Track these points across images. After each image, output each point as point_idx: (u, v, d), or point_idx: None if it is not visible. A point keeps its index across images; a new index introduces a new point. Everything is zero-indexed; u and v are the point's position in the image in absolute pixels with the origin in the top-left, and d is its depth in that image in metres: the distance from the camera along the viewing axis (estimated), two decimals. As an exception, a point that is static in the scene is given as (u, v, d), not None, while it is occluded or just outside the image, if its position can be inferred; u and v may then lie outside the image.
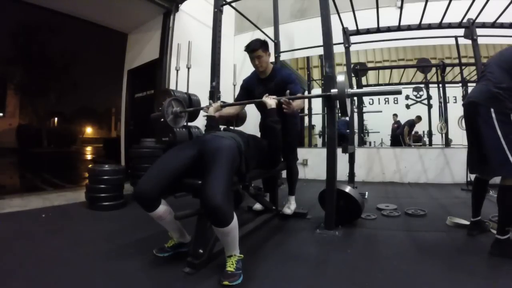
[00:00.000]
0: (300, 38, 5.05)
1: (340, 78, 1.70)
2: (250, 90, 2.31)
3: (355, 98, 4.49)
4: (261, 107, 2.34)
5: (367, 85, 6.44)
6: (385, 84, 6.53)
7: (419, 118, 6.24)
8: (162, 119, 2.16)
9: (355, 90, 1.92)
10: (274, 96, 1.86)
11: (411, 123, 6.29)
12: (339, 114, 5.63)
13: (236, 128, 2.23)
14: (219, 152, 1.41)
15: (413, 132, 6.44)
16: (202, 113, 3.63)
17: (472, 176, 2.00)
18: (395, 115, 6.55)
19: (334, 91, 1.74)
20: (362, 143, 5.55)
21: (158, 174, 1.42)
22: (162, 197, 1.47)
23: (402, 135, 6.27)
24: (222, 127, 2.13)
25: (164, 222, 1.50)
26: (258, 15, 4.95)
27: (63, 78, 21.70)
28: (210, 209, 1.22)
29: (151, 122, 2.65)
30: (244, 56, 5.85)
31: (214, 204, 1.20)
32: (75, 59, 23.80)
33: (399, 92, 1.63)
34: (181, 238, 1.63)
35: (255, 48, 2.11)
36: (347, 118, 4.33)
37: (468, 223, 2.00)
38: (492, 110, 1.55)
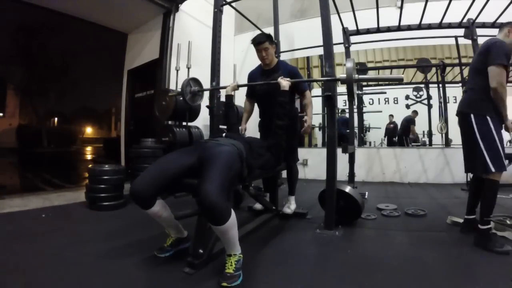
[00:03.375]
0: (300, 38, 5.05)
1: (349, 64, 1.81)
2: (253, 81, 2.32)
3: (356, 98, 4.49)
4: (264, 103, 2.35)
5: (367, 86, 6.43)
6: (385, 84, 6.53)
7: (415, 113, 6.25)
8: (182, 98, 2.31)
9: (361, 76, 2.07)
10: (288, 79, 1.97)
11: (412, 120, 6.27)
12: (339, 114, 5.60)
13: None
14: (217, 156, 1.42)
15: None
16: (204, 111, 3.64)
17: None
18: (391, 116, 6.55)
19: (342, 76, 1.83)
20: (362, 143, 5.55)
21: (155, 175, 1.44)
22: (159, 196, 1.48)
23: (407, 135, 6.25)
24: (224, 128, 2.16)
25: (160, 219, 1.52)
26: (258, 15, 4.95)
27: (63, 78, 21.69)
28: (205, 207, 1.22)
29: (160, 97, 2.77)
30: (244, 56, 5.88)
31: (209, 202, 1.20)
32: (75, 59, 23.85)
33: (401, 79, 1.81)
34: (178, 234, 1.64)
35: (262, 41, 2.15)
36: (347, 115, 4.34)
37: None
38: (472, 115, 1.76)
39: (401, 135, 6.31)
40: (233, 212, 1.30)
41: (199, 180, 1.36)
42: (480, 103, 1.74)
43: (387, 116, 6.49)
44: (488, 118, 1.70)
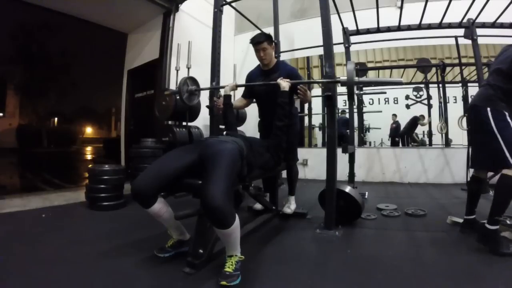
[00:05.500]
0: (300, 38, 5.05)
1: (350, 66, 1.80)
2: (252, 81, 2.32)
3: (356, 98, 4.49)
4: (263, 103, 2.35)
5: (367, 86, 6.43)
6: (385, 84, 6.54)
7: (423, 117, 6.24)
8: (178, 96, 2.31)
9: (361, 79, 2.08)
10: (288, 79, 1.95)
11: (418, 118, 6.25)
12: (339, 114, 5.59)
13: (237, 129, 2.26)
14: (219, 155, 1.41)
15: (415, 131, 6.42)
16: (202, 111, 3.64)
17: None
18: (394, 115, 6.55)
19: (343, 78, 1.81)
20: (362, 143, 5.55)
21: (156, 173, 1.44)
22: (159, 195, 1.48)
23: (409, 134, 6.25)
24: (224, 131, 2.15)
25: (162, 219, 1.52)
26: (258, 15, 4.94)
27: (63, 78, 21.71)
28: (211, 211, 1.22)
29: (160, 97, 3.02)
30: (244, 56, 5.87)
31: (215, 206, 1.20)
32: (75, 59, 23.87)
33: (400, 83, 1.82)
34: (180, 236, 1.64)
35: (260, 41, 2.12)
36: (347, 116, 4.35)
37: None
38: (488, 109, 1.69)
39: (403, 134, 6.31)
40: (237, 215, 1.30)
41: (203, 181, 1.35)
42: (497, 100, 1.68)
43: (387, 116, 6.50)
44: (506, 113, 1.65)
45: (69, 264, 1.48)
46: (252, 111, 3.10)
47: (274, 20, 4.28)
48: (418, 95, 6.49)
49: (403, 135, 6.36)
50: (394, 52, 6.01)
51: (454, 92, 5.27)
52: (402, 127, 6.49)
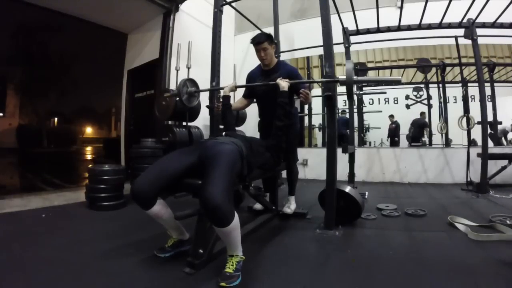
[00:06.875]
0: (300, 38, 5.05)
1: (348, 65, 1.80)
2: (252, 81, 2.32)
3: (356, 98, 4.50)
4: (263, 103, 2.35)
5: (367, 86, 6.44)
6: (385, 84, 6.54)
7: (424, 115, 6.18)
8: (178, 98, 2.32)
9: (360, 77, 2.08)
10: (287, 79, 1.95)
11: (426, 124, 6.05)
12: (339, 114, 5.61)
13: (237, 129, 2.25)
14: (219, 156, 1.42)
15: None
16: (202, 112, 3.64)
17: (473, 177, 1.99)
18: (391, 116, 6.56)
19: (342, 77, 1.82)
20: (362, 143, 5.55)
21: (156, 174, 1.44)
22: (159, 196, 1.48)
23: (418, 138, 6.17)
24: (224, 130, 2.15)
25: (161, 220, 1.52)
26: (258, 15, 4.95)
27: (63, 78, 21.72)
28: (209, 209, 1.22)
29: (160, 97, 2.99)
30: (244, 56, 5.87)
31: (213, 204, 1.20)
32: (75, 59, 23.82)
33: (399, 81, 1.83)
34: (180, 236, 1.64)
35: (260, 41, 2.12)
36: (347, 116, 4.35)
37: (470, 223, 2.00)
38: None
39: (414, 137, 6.16)
40: (236, 214, 1.30)
41: (202, 181, 1.36)
42: None
43: (387, 116, 6.50)
44: None
45: (69, 264, 1.48)
46: (252, 111, 3.10)
47: (274, 20, 4.29)
48: (418, 95, 6.50)
49: (416, 138, 6.16)
50: (394, 52, 6.01)
51: (454, 92, 5.28)
52: (401, 127, 6.47)
